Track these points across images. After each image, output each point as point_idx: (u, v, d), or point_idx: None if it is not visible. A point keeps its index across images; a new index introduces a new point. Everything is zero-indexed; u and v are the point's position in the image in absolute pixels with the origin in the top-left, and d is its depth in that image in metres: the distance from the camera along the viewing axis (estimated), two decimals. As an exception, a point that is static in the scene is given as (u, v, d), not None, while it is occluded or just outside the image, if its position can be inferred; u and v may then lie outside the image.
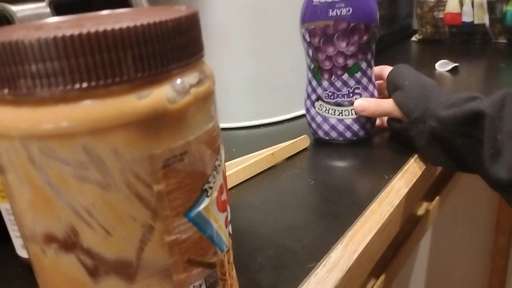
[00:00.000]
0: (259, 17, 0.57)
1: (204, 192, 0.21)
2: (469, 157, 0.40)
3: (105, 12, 0.24)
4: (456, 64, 0.77)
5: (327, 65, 0.49)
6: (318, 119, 0.52)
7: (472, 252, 1.00)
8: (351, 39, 0.47)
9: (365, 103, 0.50)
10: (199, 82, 0.20)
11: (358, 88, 0.50)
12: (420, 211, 0.55)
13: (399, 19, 1.08)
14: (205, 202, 0.21)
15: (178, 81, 0.19)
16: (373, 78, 0.51)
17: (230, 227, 0.24)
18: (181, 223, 0.20)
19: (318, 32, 0.48)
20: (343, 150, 0.51)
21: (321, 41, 0.48)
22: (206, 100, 0.20)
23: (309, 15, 0.48)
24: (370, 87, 0.51)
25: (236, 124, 0.61)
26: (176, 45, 0.19)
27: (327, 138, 0.52)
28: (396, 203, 0.40)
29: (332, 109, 0.51)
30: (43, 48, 0.16)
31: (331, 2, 0.46)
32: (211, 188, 0.21)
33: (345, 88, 0.50)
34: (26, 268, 0.35)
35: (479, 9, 0.91)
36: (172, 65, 0.19)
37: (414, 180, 0.44)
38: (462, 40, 0.97)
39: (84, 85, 0.17)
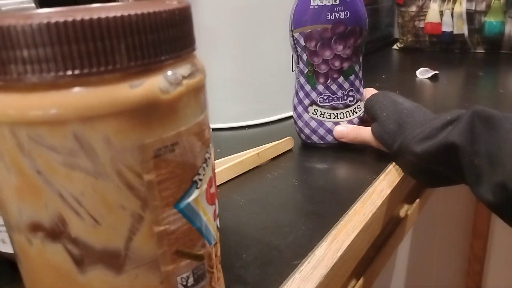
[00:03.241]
0: (246, 19, 0.57)
1: (194, 184, 0.21)
2: (456, 180, 0.40)
3: (96, 5, 0.24)
4: (436, 72, 0.79)
5: (323, 68, 0.49)
6: (313, 124, 0.52)
7: (449, 255, 1.02)
8: (347, 42, 0.48)
9: (344, 130, 0.50)
10: (191, 74, 0.20)
11: (351, 90, 0.51)
12: (401, 213, 0.56)
13: (381, 28, 1.11)
14: (195, 193, 0.21)
15: (171, 72, 0.19)
16: (362, 80, 0.52)
17: (218, 221, 0.24)
18: (171, 214, 0.20)
19: (315, 36, 0.48)
20: (327, 153, 0.51)
21: (318, 45, 0.48)
22: (198, 92, 0.21)
23: (305, 18, 0.48)
24: (361, 88, 0.52)
25: (221, 125, 0.61)
26: (169, 36, 0.19)
27: (321, 142, 0.52)
28: (379, 204, 0.41)
29: (327, 113, 0.51)
30: (35, 33, 0.16)
31: (331, 5, 0.47)
32: (201, 180, 0.21)
33: (340, 91, 0.50)
34: (6, 264, 0.34)
35: (458, 20, 0.94)
36: (165, 56, 0.19)
37: (397, 182, 0.45)
38: (441, 49, 1.00)
39: (76, 72, 0.17)
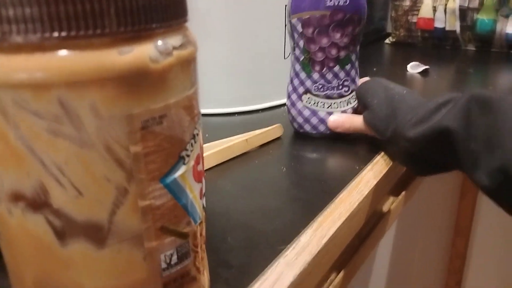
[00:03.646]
0: (240, 3, 0.56)
1: (181, 159, 0.20)
2: (450, 166, 0.40)
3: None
4: (427, 67, 0.80)
5: (320, 56, 0.49)
6: (306, 112, 0.51)
7: (431, 252, 1.03)
8: (345, 30, 0.48)
9: (339, 119, 0.50)
10: (182, 46, 0.20)
11: (347, 80, 0.50)
12: (387, 205, 0.56)
13: (374, 21, 1.10)
14: (182, 169, 0.20)
15: (162, 41, 0.18)
16: (358, 71, 0.52)
17: (204, 200, 0.24)
18: (156, 188, 0.20)
19: (313, 23, 0.47)
20: (316, 142, 0.51)
21: (315, 31, 0.48)
22: (188, 64, 0.20)
23: (304, 4, 0.47)
24: (357, 79, 0.52)
25: (210, 110, 0.60)
26: (160, 4, 0.18)
27: (314, 132, 0.52)
28: (365, 193, 0.41)
29: (321, 102, 0.51)
30: (21, -9, 0.15)
31: None
32: (188, 156, 0.21)
33: (335, 80, 0.50)
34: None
35: (451, 16, 0.94)
36: (156, 24, 0.18)
37: (384, 172, 0.45)
38: (433, 45, 1.00)
39: (63, 34, 0.16)
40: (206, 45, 0.58)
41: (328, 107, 0.51)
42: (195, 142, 0.21)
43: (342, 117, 0.50)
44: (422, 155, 0.41)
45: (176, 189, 0.20)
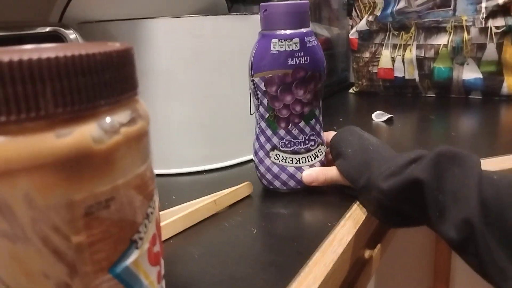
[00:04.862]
0: (202, 63, 0.56)
1: (133, 244, 0.18)
2: (419, 219, 0.40)
3: (30, 46, 0.22)
4: (391, 115, 0.81)
5: (284, 113, 0.49)
6: (275, 169, 0.51)
7: (413, 299, 1.01)
8: (308, 87, 0.48)
9: (313, 174, 0.50)
10: (131, 121, 0.18)
11: (313, 134, 0.50)
12: (363, 259, 0.54)
13: (337, 72, 1.14)
14: (134, 254, 0.18)
15: (107, 119, 0.17)
16: (322, 124, 0.52)
17: (163, 283, 0.22)
18: (105, 280, 0.18)
19: (276, 81, 0.48)
20: (286, 197, 0.50)
21: (279, 89, 0.48)
22: (139, 141, 0.19)
23: (265, 63, 0.47)
24: (322, 133, 0.52)
25: (177, 170, 0.59)
26: (104, 80, 0.17)
27: (284, 188, 0.51)
28: (340, 252, 0.39)
29: (289, 158, 0.50)
30: None
31: (291, 51, 0.47)
32: (141, 239, 0.19)
33: (301, 136, 0.50)
34: None
35: (409, 65, 0.98)
36: (99, 101, 0.17)
37: (357, 227, 0.43)
38: (395, 93, 1.04)
39: (-8, 120, 0.14)
40: (170, 104, 0.57)
41: (296, 162, 0.50)
42: (149, 222, 0.20)
43: (316, 171, 0.50)
44: (393, 206, 0.41)
45: (128, 278, 0.18)
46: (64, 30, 0.49)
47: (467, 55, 0.92)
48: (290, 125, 0.49)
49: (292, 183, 0.51)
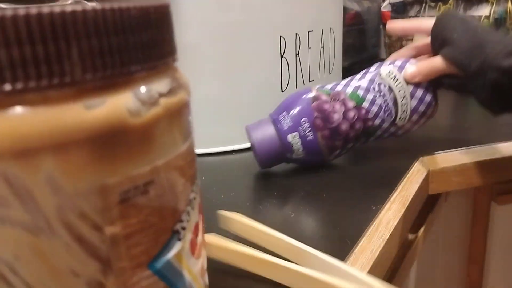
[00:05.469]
0: (232, 36, 0.53)
1: (175, 235, 0.16)
2: None
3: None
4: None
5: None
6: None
7: (450, 283, 0.98)
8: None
9: (415, 70, 0.46)
10: (171, 91, 0.15)
11: None
12: (407, 243, 0.51)
13: (367, 48, 1.08)
14: (176, 247, 0.16)
15: (144, 88, 0.14)
16: None
17: (206, 277, 0.19)
18: (144, 277, 0.15)
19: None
20: (325, 179, 0.47)
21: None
22: (180, 114, 0.16)
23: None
24: None
25: (205, 150, 0.56)
26: (141, 41, 0.14)
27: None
28: (387, 237, 0.36)
29: None
30: None
31: None
32: (184, 228, 0.16)
33: None
34: None
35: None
36: (135, 66, 0.14)
37: (402, 212, 0.40)
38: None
39: (7, 87, 0.12)
40: (198, 81, 0.54)
41: None
42: (192, 209, 0.17)
43: (417, 65, 0.47)
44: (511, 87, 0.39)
45: (170, 274, 0.16)
46: (87, 3, 0.46)
47: (511, 27, 0.85)
48: None
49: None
